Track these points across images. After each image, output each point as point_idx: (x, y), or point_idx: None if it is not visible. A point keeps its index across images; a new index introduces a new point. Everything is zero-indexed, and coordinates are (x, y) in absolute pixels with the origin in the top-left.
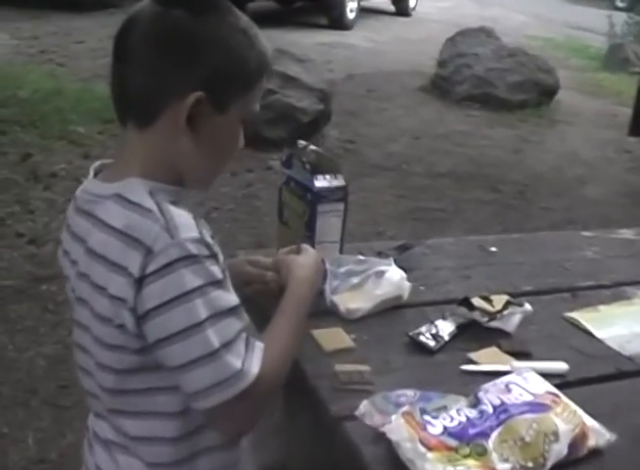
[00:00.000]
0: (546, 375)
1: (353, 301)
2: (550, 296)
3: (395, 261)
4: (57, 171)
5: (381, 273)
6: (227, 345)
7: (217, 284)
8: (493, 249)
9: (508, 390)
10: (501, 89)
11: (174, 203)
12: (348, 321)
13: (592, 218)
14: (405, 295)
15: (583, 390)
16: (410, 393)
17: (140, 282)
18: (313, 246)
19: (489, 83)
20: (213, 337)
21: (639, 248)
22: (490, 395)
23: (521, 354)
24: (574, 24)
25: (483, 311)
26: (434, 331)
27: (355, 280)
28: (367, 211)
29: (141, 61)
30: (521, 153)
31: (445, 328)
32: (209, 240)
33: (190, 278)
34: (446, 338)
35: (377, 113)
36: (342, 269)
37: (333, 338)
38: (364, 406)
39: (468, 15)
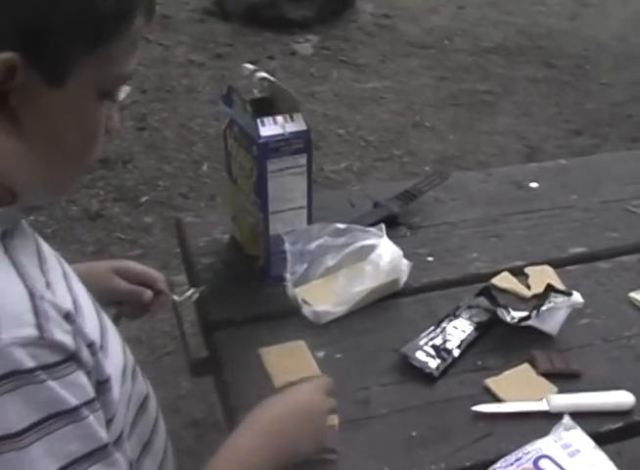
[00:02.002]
0: (602, 414)
1: (324, 297)
2: (609, 263)
3: (398, 217)
4: None
5: (367, 250)
6: None
7: (69, 415)
8: (534, 185)
9: None
10: None
11: (7, 236)
12: (317, 327)
13: None
14: (402, 279)
15: None
16: None
17: None
18: (267, 216)
19: None
20: None
21: None
22: None
23: (564, 376)
24: None
25: (515, 298)
26: (438, 341)
27: (331, 261)
28: (403, 99)
29: None
30: (578, 19)
31: (456, 334)
32: (59, 325)
33: (17, 411)
34: (456, 353)
35: None
36: (312, 246)
37: (290, 361)
38: None
39: None
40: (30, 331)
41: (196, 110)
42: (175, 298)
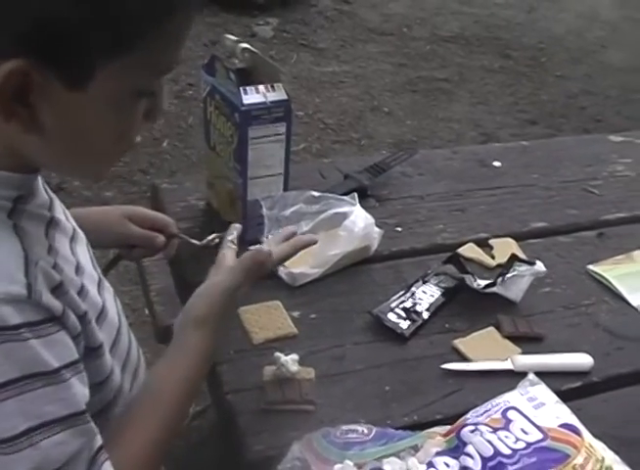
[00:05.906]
0: (563, 374)
1: (300, 260)
2: (569, 237)
3: (367, 188)
4: None
5: (340, 217)
6: None
7: (49, 376)
8: (497, 163)
9: (506, 422)
10: None
11: (21, 201)
12: (292, 289)
13: (612, 88)
14: (374, 245)
15: (613, 397)
16: (362, 428)
17: None
18: (245, 181)
19: None
20: (27, 462)
21: None
22: (478, 437)
23: (527, 339)
24: None
25: (480, 267)
26: (409, 304)
27: (305, 227)
28: (361, 83)
29: None
30: (535, 12)
31: (425, 298)
32: (48, 291)
33: None
34: (425, 315)
35: None
36: (288, 212)
37: (267, 319)
38: (295, 451)
39: None
40: (19, 289)
41: None
42: (195, 242)
